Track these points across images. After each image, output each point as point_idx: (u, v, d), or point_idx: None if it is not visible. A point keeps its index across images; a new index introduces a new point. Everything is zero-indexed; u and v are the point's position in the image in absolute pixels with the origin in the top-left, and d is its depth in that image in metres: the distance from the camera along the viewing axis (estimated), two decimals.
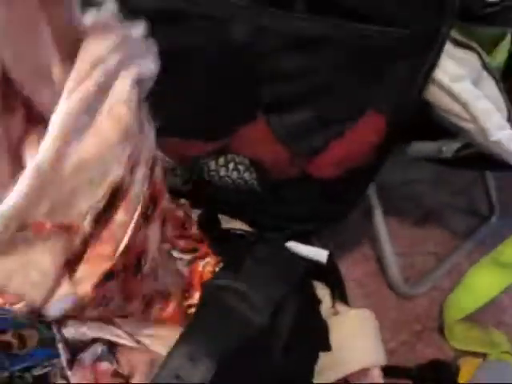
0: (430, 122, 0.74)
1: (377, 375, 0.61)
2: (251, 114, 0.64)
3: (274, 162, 0.68)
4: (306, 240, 0.77)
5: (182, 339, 0.53)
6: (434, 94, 0.67)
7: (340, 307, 0.70)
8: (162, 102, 0.64)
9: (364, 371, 0.60)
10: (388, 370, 0.66)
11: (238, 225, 0.78)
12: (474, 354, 1.04)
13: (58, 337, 0.50)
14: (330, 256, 0.74)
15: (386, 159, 0.74)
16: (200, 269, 0.59)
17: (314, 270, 0.71)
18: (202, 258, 0.60)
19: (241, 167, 0.70)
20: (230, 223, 0.77)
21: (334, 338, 0.64)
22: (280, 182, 0.71)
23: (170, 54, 0.61)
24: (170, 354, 0.52)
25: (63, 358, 0.49)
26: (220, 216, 0.75)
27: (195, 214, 0.75)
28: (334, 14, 0.58)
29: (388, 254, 1.08)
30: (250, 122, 0.65)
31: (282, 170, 0.69)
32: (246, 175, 0.71)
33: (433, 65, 0.64)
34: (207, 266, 0.59)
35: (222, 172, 0.71)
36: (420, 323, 1.09)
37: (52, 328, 0.50)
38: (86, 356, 0.51)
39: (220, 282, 0.59)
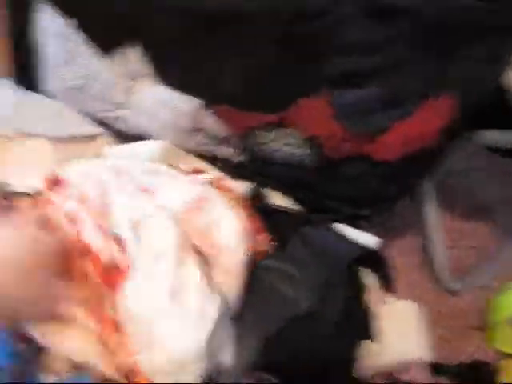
0: (504, 110, 0.68)
1: (419, 369, 0.59)
2: (315, 86, 0.61)
3: (329, 137, 0.65)
4: (354, 223, 0.75)
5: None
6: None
7: (387, 297, 0.68)
8: (221, 68, 0.63)
9: (407, 365, 0.59)
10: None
11: (285, 202, 0.76)
12: None
13: None
14: (380, 244, 0.71)
15: (451, 145, 0.70)
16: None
17: (362, 255, 0.69)
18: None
19: (293, 141, 0.68)
20: (277, 199, 0.75)
21: (380, 327, 0.62)
22: (334, 160, 0.68)
23: (236, 17, 0.59)
24: None
25: None
26: (268, 191, 0.73)
27: (244, 185, 0.73)
28: None
29: (438, 247, 1.04)
30: (312, 95, 0.62)
31: (337, 148, 0.66)
32: (299, 151, 0.68)
33: None
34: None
35: (275, 145, 0.68)
36: (462, 319, 1.05)
37: None
38: None
39: (269, 263, 0.58)
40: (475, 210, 1.26)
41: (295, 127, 0.65)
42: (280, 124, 0.66)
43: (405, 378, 0.58)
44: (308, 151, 0.67)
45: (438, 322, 1.04)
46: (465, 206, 1.26)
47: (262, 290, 0.56)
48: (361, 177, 0.70)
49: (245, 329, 0.52)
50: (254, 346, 0.51)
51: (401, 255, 1.11)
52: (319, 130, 0.64)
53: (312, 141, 0.66)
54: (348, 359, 0.58)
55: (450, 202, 1.23)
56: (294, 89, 0.62)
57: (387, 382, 0.58)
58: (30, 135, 0.66)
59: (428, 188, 1.04)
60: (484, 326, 1.03)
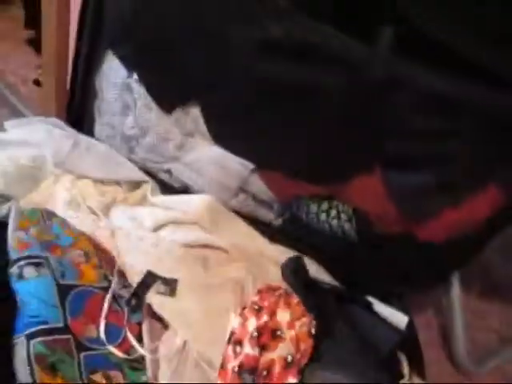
0: None
1: None
2: (369, 164, 0.62)
3: (380, 217, 0.65)
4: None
5: None
6: None
7: (416, 380, 0.66)
8: (279, 136, 0.63)
9: None
10: None
11: (325, 276, 0.74)
12: None
13: None
14: (411, 323, 0.69)
15: (495, 235, 0.70)
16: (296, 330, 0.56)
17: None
18: (299, 318, 0.57)
19: (343, 216, 0.67)
20: (317, 273, 0.74)
21: None
22: (380, 237, 0.67)
23: (299, 89, 0.60)
24: None
25: None
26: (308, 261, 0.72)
27: (280, 251, 0.72)
28: (478, 78, 0.55)
29: (458, 328, 1.02)
30: (366, 173, 0.62)
31: (385, 226, 0.66)
32: (347, 225, 0.68)
33: None
34: (303, 326, 0.56)
35: (323, 217, 0.68)
36: None
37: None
38: None
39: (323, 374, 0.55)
40: (492, 291, 1.25)
41: (347, 202, 0.65)
42: (331, 197, 0.66)
43: None
44: (355, 227, 0.67)
45: None
46: (482, 286, 1.25)
47: None
48: (402, 257, 0.69)
49: None
50: None
51: (419, 330, 1.09)
52: (371, 208, 0.64)
53: (362, 217, 0.65)
54: None
55: (467, 282, 1.22)
56: (349, 164, 0.63)
57: None
58: (79, 176, 0.66)
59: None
60: None
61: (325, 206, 0.67)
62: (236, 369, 0.50)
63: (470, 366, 1.04)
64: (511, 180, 0.63)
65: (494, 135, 0.59)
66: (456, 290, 1.01)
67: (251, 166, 0.66)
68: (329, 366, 0.55)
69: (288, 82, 0.60)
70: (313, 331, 0.56)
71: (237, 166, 0.67)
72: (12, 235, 0.52)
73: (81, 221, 0.59)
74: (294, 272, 0.64)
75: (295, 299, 0.58)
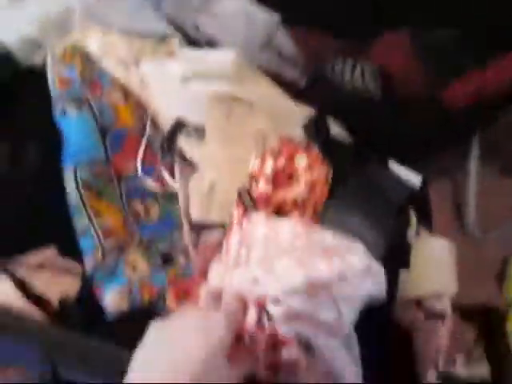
0: None
1: (447, 302, 0.64)
2: (399, 22, 0.60)
3: (406, 76, 0.65)
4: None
5: None
6: None
7: (423, 232, 0.71)
8: None
9: (438, 296, 0.63)
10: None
11: (338, 131, 0.77)
12: None
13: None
14: (424, 183, 0.73)
15: None
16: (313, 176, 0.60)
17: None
18: (316, 165, 0.60)
19: (367, 74, 0.67)
20: (339, 134, 0.76)
21: (414, 257, 0.66)
22: (404, 99, 0.68)
23: None
24: None
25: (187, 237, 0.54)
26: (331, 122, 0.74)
27: (304, 110, 0.74)
28: None
29: (471, 196, 1.06)
30: (395, 30, 0.61)
31: (410, 87, 0.66)
32: (371, 84, 0.68)
33: None
34: (320, 173, 0.60)
35: (347, 74, 0.68)
36: (480, 267, 1.10)
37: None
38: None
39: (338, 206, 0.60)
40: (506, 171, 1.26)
41: (373, 60, 0.65)
42: (357, 53, 0.66)
43: (436, 306, 0.62)
44: (379, 85, 0.67)
45: (457, 266, 1.09)
46: (506, 163, 1.26)
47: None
48: (425, 119, 0.71)
49: None
50: None
51: (435, 196, 1.14)
52: (396, 66, 0.64)
53: (387, 76, 0.66)
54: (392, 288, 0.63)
55: (490, 159, 1.23)
56: (378, 20, 0.61)
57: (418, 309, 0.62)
58: (106, 27, 0.67)
59: (473, 142, 1.04)
60: (501, 277, 1.08)
61: (350, 63, 0.67)
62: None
63: (476, 233, 1.11)
64: None
65: None
66: (474, 159, 1.03)
67: (277, 17, 0.66)
68: (341, 209, 0.60)
69: None
70: (329, 179, 0.60)
71: (264, 17, 0.66)
72: (52, 73, 0.55)
73: (113, 67, 0.61)
74: (316, 128, 0.67)
75: (315, 149, 0.62)
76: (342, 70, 0.68)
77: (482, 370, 0.80)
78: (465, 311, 0.94)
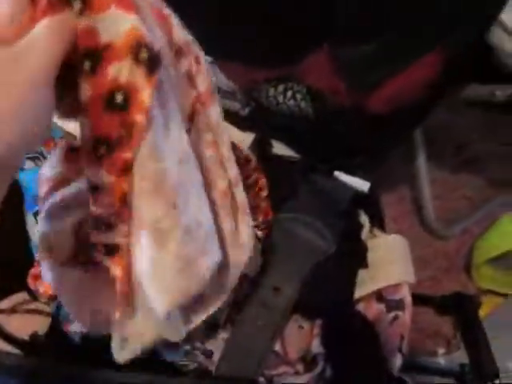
0: (486, 65, 0.75)
1: (406, 291, 0.68)
2: (318, 44, 0.67)
3: (332, 92, 0.72)
4: (350, 173, 0.82)
5: (265, 272, 0.62)
6: (498, 37, 0.68)
7: (377, 232, 0.76)
8: (230, 26, 0.69)
9: (396, 286, 0.67)
10: (414, 298, 0.72)
11: (287, 152, 0.83)
12: (496, 294, 1.11)
13: None
14: (372, 187, 0.78)
15: (439, 99, 0.77)
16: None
17: (357, 199, 0.76)
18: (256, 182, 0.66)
19: (298, 95, 0.74)
20: (280, 150, 0.82)
21: (371, 257, 0.70)
22: (334, 112, 0.74)
23: None
24: (255, 286, 0.61)
25: None
26: (273, 142, 0.80)
27: (248, 136, 0.80)
28: None
29: (425, 194, 1.12)
30: (316, 50, 0.68)
31: (337, 100, 0.73)
32: (303, 103, 0.75)
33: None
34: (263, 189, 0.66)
35: (280, 99, 0.75)
36: (448, 261, 1.16)
37: None
38: None
39: (288, 215, 0.66)
40: (465, 163, 1.35)
41: (300, 82, 0.72)
42: (285, 79, 0.72)
43: (396, 296, 0.66)
44: (310, 104, 0.74)
45: (427, 264, 1.14)
46: (454, 160, 1.34)
47: (287, 240, 0.64)
48: (355, 128, 0.77)
49: (279, 279, 0.60)
50: (290, 294, 0.60)
51: (392, 205, 1.21)
52: (322, 84, 0.71)
53: (315, 95, 0.72)
54: (348, 285, 0.67)
55: (439, 157, 1.32)
56: (298, 46, 0.69)
57: (380, 302, 0.66)
58: None
59: (418, 142, 1.12)
60: (469, 267, 1.13)
61: (281, 88, 0.74)
62: None
63: (440, 230, 1.17)
64: (450, 42, 0.69)
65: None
66: (421, 158, 1.10)
67: (209, 58, 0.72)
68: (290, 216, 0.66)
69: None
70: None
71: None
72: None
73: (63, 123, 0.67)
74: (259, 149, 0.73)
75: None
76: (275, 94, 0.75)
77: (461, 357, 0.83)
78: (439, 304, 0.98)
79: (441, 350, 0.95)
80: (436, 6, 0.64)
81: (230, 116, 0.82)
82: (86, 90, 0.33)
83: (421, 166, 1.10)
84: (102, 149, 0.34)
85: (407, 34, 0.67)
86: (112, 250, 0.38)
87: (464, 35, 0.66)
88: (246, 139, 0.78)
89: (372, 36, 0.67)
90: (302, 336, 0.63)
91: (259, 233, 0.65)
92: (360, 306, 0.67)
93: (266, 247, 0.64)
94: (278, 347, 0.61)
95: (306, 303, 0.63)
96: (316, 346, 0.60)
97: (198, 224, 0.40)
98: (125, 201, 0.36)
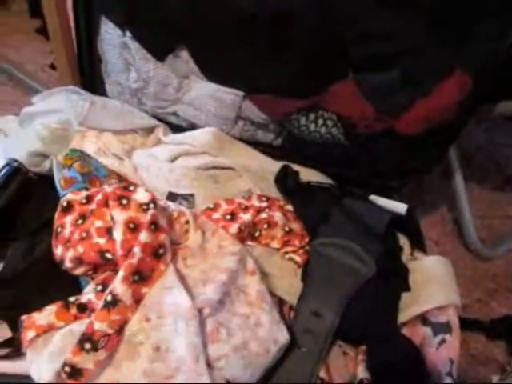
0: None
1: (452, 313, 0.66)
2: (342, 73, 0.70)
3: (361, 117, 0.73)
4: (386, 196, 0.82)
5: (305, 297, 0.62)
6: None
7: (418, 254, 0.75)
8: (261, 62, 0.72)
9: (441, 309, 0.65)
10: (462, 322, 0.70)
11: (318, 178, 0.84)
12: None
13: None
14: (410, 209, 0.77)
15: (470, 117, 0.77)
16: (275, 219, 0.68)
17: (396, 222, 0.76)
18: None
19: (329, 123, 0.76)
20: (316, 177, 0.83)
21: (413, 279, 0.69)
22: (366, 136, 0.76)
23: (270, 16, 0.68)
24: (296, 312, 0.62)
25: None
26: (307, 170, 0.81)
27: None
28: None
29: (466, 215, 1.10)
30: (341, 80, 0.70)
31: (367, 125, 0.74)
32: (334, 130, 0.77)
33: None
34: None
35: (312, 127, 0.77)
36: (495, 283, 1.11)
37: None
38: None
39: (324, 240, 0.66)
40: (506, 181, 1.31)
41: (330, 110, 0.74)
42: (315, 108, 0.75)
43: (441, 319, 0.64)
44: (342, 130, 0.76)
45: (474, 287, 1.10)
46: (495, 179, 1.31)
47: (325, 265, 0.64)
48: (389, 151, 0.78)
49: (320, 305, 0.61)
50: (332, 319, 0.60)
51: (433, 227, 1.19)
52: (351, 111, 0.73)
53: (345, 121, 0.74)
54: (391, 309, 0.66)
55: (479, 177, 1.29)
56: (325, 76, 0.71)
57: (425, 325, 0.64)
58: (101, 130, 0.78)
59: (454, 162, 1.11)
60: None
61: (312, 116, 0.76)
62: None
63: (484, 251, 1.13)
64: (475, 60, 0.70)
65: (446, 22, 0.65)
66: (459, 180, 1.08)
67: (241, 93, 0.76)
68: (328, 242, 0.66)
69: (262, 11, 0.67)
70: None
71: (230, 96, 0.76)
72: (57, 177, 0.65)
73: (108, 162, 0.71)
74: (283, 180, 0.75)
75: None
76: (306, 123, 0.77)
77: None
78: (490, 329, 0.95)
79: (495, 377, 0.91)
80: (449, 29, 0.65)
81: (262, 146, 0.85)
82: None
83: (459, 186, 1.08)
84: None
85: (423, 60, 0.68)
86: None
87: (486, 53, 0.67)
88: (276, 168, 0.80)
89: (389, 64, 0.69)
90: (346, 362, 0.62)
91: (297, 258, 0.66)
92: (404, 330, 0.66)
93: (304, 272, 0.64)
94: (322, 374, 0.60)
95: (349, 328, 0.63)
96: (362, 372, 0.59)
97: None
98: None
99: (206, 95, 0.77)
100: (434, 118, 0.72)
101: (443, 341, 0.64)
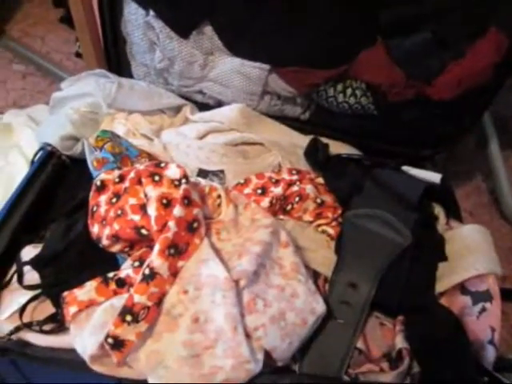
0: None
1: (492, 282, 0.64)
2: (371, 38, 0.68)
3: (391, 85, 0.71)
4: (420, 166, 0.80)
5: (340, 269, 0.62)
6: None
7: (454, 224, 0.73)
8: (285, 33, 0.71)
9: (480, 278, 0.64)
10: (503, 293, 0.67)
11: (348, 151, 0.82)
12: None
13: None
14: (444, 178, 0.75)
15: (506, 79, 0.73)
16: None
17: (430, 191, 0.74)
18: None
19: (358, 92, 0.74)
20: (345, 149, 0.82)
21: (450, 249, 0.67)
22: (397, 104, 0.74)
23: None
24: (331, 284, 0.61)
25: None
26: (332, 143, 0.80)
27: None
28: None
29: (503, 184, 1.06)
30: (370, 46, 0.68)
31: (398, 92, 0.72)
32: (363, 100, 0.75)
33: None
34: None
35: (340, 98, 0.76)
36: None
37: None
38: None
39: (357, 211, 0.64)
40: None
41: (358, 78, 0.72)
42: (343, 77, 0.73)
43: (481, 288, 0.63)
44: (371, 99, 0.74)
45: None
46: None
47: (360, 236, 0.63)
48: (421, 118, 0.76)
49: (356, 276, 0.60)
50: (368, 289, 0.60)
51: (468, 197, 1.15)
52: (381, 79, 0.71)
53: (375, 89, 0.72)
54: (428, 279, 0.65)
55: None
56: (353, 43, 0.69)
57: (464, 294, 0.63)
58: (130, 112, 0.79)
59: (489, 129, 1.07)
60: None
61: (340, 87, 0.75)
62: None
63: None
64: (510, 18, 0.66)
65: None
66: (495, 147, 1.05)
67: (267, 67, 0.75)
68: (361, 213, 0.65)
69: None
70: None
71: (255, 70, 0.75)
72: (90, 159, 0.66)
73: (138, 142, 0.72)
74: (313, 153, 0.73)
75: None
76: (335, 94, 0.75)
77: None
78: None
79: None
80: None
81: (290, 121, 0.84)
82: None
83: (495, 154, 1.04)
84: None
85: (454, 20, 0.65)
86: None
87: None
88: (305, 142, 0.79)
89: (419, 27, 0.66)
90: (384, 333, 0.62)
91: (330, 230, 0.65)
92: (443, 300, 0.65)
93: (338, 244, 0.64)
94: (360, 345, 0.60)
95: (386, 299, 0.62)
96: (400, 342, 0.58)
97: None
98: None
99: (231, 71, 0.77)
100: (468, 82, 0.69)
101: (483, 309, 0.63)
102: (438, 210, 0.74)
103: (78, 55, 1.35)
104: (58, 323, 0.54)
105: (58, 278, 0.56)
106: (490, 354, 0.59)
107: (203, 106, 0.83)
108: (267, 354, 0.51)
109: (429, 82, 0.69)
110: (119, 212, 0.55)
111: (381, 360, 0.60)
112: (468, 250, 0.67)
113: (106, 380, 0.50)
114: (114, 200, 0.57)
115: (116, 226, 0.54)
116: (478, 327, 0.61)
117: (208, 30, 0.74)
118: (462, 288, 0.65)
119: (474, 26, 0.66)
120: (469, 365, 0.57)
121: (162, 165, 0.57)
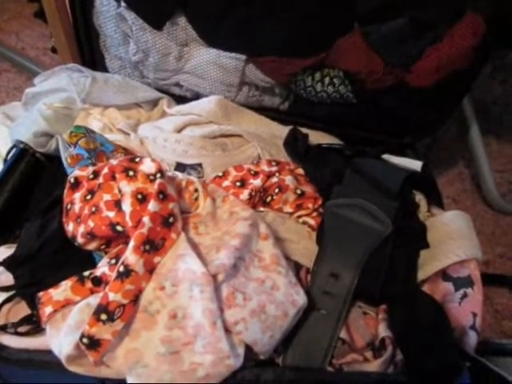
0: None
1: (474, 267, 0.64)
2: (348, 25, 0.67)
3: (370, 72, 0.70)
4: (401, 154, 0.80)
5: (322, 259, 0.61)
6: None
7: (436, 210, 0.73)
8: (261, 22, 0.69)
9: (461, 264, 0.64)
10: (485, 278, 0.67)
11: (333, 141, 0.82)
12: None
13: None
14: (425, 165, 0.75)
15: (484, 64, 0.73)
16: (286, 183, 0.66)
17: (411, 179, 0.74)
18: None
19: (336, 81, 0.73)
20: (325, 139, 0.81)
21: (432, 236, 0.67)
22: (376, 92, 0.73)
23: None
24: (313, 275, 0.61)
25: None
26: (312, 132, 0.79)
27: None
28: None
29: (485, 169, 1.07)
30: (347, 34, 0.67)
31: (377, 79, 0.71)
32: (342, 88, 0.74)
33: None
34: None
35: (319, 87, 0.75)
36: None
37: None
38: None
39: (338, 201, 0.64)
40: None
41: (336, 67, 0.71)
42: (321, 66, 0.72)
43: (462, 274, 0.63)
44: (350, 88, 0.73)
45: (495, 241, 1.08)
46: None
47: (340, 225, 0.63)
48: (400, 105, 0.75)
49: (336, 266, 0.60)
50: (350, 279, 0.59)
51: (450, 183, 1.16)
52: (359, 66, 0.70)
53: (354, 77, 0.71)
54: (409, 267, 0.64)
55: (497, 130, 1.25)
56: (330, 30, 0.68)
57: (446, 281, 0.63)
58: (104, 106, 0.77)
59: (470, 116, 1.07)
60: None
61: (318, 76, 0.74)
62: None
63: (504, 205, 1.10)
64: (487, 5, 0.66)
65: None
66: (475, 134, 1.05)
67: (244, 57, 0.74)
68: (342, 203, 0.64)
69: None
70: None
71: (232, 60, 0.74)
72: (64, 155, 0.64)
73: (114, 137, 0.70)
74: (293, 144, 0.72)
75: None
76: (313, 83, 0.74)
77: None
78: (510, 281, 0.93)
79: None
80: None
81: (269, 112, 0.83)
82: None
83: (476, 140, 1.05)
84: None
85: (431, 5, 0.65)
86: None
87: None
88: (284, 133, 0.78)
89: (396, 12, 0.65)
90: (367, 322, 0.62)
91: (311, 221, 0.65)
92: (425, 287, 0.65)
93: (319, 234, 0.63)
94: (344, 335, 0.60)
95: (368, 288, 0.62)
96: (383, 330, 0.58)
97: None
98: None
99: (207, 62, 0.75)
100: (446, 67, 0.69)
101: (465, 295, 0.63)
102: (420, 198, 0.74)
103: (54, 50, 1.32)
104: (33, 324, 0.52)
105: (33, 277, 0.55)
106: (472, 339, 0.59)
107: (181, 99, 0.82)
108: (249, 348, 0.50)
109: (407, 68, 0.69)
110: (94, 209, 0.54)
111: (364, 349, 0.60)
112: (449, 237, 0.66)
113: (88, 380, 0.49)
114: (89, 197, 0.56)
115: (91, 224, 0.53)
116: (460, 313, 0.61)
117: (182, 20, 0.72)
118: (443, 274, 0.65)
119: (451, 10, 0.65)
120: (452, 351, 0.57)
121: (137, 160, 0.55)
